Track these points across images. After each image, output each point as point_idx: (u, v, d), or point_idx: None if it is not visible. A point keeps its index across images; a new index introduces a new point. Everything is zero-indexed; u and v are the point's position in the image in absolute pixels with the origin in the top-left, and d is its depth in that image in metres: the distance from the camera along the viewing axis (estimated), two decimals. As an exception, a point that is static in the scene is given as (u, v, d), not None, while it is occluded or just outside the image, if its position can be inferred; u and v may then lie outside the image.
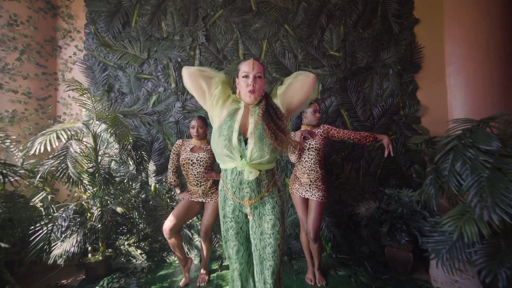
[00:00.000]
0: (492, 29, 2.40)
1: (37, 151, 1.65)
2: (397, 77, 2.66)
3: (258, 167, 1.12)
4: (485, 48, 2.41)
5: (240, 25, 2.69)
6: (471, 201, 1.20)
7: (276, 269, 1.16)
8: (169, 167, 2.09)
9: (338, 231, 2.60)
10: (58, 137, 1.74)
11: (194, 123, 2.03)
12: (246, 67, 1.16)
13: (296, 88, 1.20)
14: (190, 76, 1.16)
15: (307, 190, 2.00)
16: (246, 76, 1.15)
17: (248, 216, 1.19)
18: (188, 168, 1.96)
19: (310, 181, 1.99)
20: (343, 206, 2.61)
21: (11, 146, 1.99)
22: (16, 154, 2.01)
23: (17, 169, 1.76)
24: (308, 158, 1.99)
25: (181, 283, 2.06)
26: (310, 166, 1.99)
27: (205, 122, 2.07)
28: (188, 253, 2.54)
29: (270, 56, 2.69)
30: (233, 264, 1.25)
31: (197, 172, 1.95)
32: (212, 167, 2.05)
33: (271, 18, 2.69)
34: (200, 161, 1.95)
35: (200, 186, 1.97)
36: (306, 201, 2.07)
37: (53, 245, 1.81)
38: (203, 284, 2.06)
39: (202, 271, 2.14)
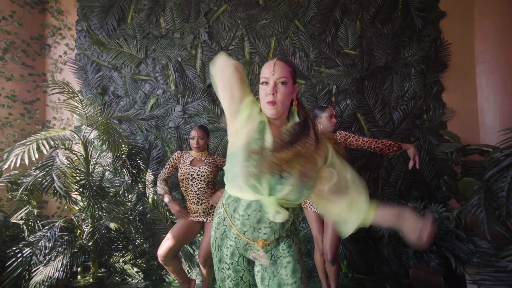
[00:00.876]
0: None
1: (13, 164, 1.42)
2: (420, 77, 2.40)
3: (288, 205, 0.85)
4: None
5: (246, 21, 2.46)
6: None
7: None
8: (159, 176, 1.87)
9: (354, 248, 2.34)
10: (38, 148, 1.52)
11: (194, 133, 1.79)
12: (265, 71, 0.89)
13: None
14: (228, 72, 0.85)
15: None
16: (266, 83, 0.88)
17: (261, 261, 0.89)
18: (188, 184, 1.73)
19: None
20: (360, 220, 2.36)
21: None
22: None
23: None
24: None
25: None
26: None
27: (206, 133, 1.83)
28: (190, 273, 2.31)
29: (279, 54, 2.45)
30: None
31: (198, 188, 1.72)
32: (214, 182, 1.81)
33: (280, 13, 2.45)
34: (201, 176, 1.72)
35: (200, 204, 1.74)
36: (321, 218, 1.83)
37: (34, 270, 1.58)
38: None
39: None
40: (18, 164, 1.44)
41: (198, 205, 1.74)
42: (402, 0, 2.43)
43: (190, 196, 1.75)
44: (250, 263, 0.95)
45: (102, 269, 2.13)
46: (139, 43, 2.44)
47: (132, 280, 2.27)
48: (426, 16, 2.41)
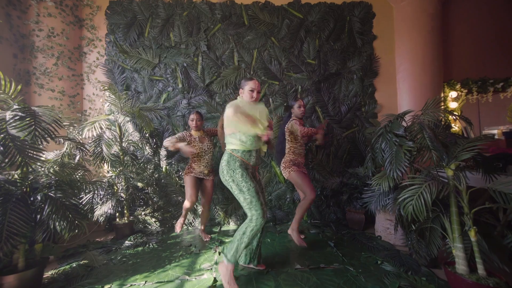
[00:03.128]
0: (429, 45, 3.14)
1: (86, 135, 2.23)
2: (360, 81, 3.37)
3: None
4: (424, 59, 3.15)
5: (235, 37, 3.29)
6: (387, 167, 1.90)
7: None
8: (172, 137, 2.44)
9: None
10: (100, 127, 2.32)
11: (193, 116, 2.54)
12: (254, 85, 1.82)
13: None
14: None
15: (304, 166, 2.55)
16: (252, 90, 1.81)
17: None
18: (202, 154, 2.56)
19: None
20: (316, 183, 3.31)
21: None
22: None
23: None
24: (303, 143, 2.58)
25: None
26: (305, 149, 2.57)
27: (201, 116, 2.62)
28: (194, 221, 3.17)
29: (259, 62, 3.31)
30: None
31: (208, 157, 2.58)
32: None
33: (261, 31, 3.31)
34: (209, 150, 2.58)
35: (207, 167, 2.60)
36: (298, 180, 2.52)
37: (96, 207, 2.40)
38: (208, 239, 2.69)
39: (203, 231, 2.78)
40: (89, 135, 2.23)
41: (206, 168, 2.58)
42: (348, 26, 3.37)
43: (202, 163, 2.58)
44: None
45: (132, 217, 2.95)
46: (154, 52, 3.21)
47: (151, 227, 3.10)
48: (364, 38, 3.37)
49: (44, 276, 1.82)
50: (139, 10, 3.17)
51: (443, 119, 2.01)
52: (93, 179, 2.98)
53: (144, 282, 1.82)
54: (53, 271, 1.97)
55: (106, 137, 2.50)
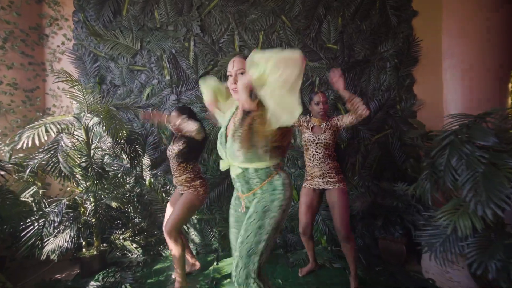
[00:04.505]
0: (489, 23, 2.38)
1: (25, 145, 1.59)
2: (394, 70, 2.65)
3: (241, 165, 1.13)
4: (482, 43, 2.40)
5: (236, 16, 2.61)
6: (466, 196, 1.21)
7: (241, 263, 1.05)
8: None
9: (333, 224, 2.62)
10: (47, 131, 1.68)
11: (175, 113, 1.90)
12: (228, 67, 1.13)
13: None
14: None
15: (321, 182, 1.85)
16: (230, 75, 1.13)
17: (240, 209, 1.21)
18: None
19: (323, 172, 1.84)
20: (338, 199, 2.63)
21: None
22: (3, 148, 1.94)
23: (4, 163, 1.70)
24: (317, 152, 1.86)
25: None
26: (320, 159, 1.85)
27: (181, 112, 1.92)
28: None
29: (267, 48, 2.63)
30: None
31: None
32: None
33: (268, 8, 2.62)
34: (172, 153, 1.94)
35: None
36: (314, 194, 1.92)
37: (46, 241, 1.78)
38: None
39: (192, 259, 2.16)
40: (29, 145, 1.60)
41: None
42: (379, 0, 2.64)
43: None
44: None
45: (104, 244, 2.33)
46: (135, 35, 2.56)
47: (132, 255, 2.48)
48: (400, 14, 2.63)
49: None
50: (116, -17, 2.52)
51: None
52: (57, 194, 2.38)
53: None
54: None
55: (63, 144, 1.87)
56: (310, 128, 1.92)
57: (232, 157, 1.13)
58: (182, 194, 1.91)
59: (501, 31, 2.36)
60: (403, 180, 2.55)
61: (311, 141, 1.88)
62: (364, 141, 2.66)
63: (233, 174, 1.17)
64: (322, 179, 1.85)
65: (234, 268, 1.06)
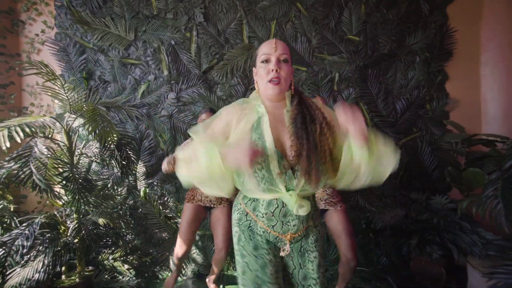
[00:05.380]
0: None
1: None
2: (424, 65, 2.33)
3: (308, 195, 0.86)
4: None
5: (245, 2, 2.29)
6: None
7: None
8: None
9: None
10: (10, 135, 1.34)
11: (204, 116, 1.73)
12: (266, 48, 0.85)
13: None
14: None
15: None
16: (267, 61, 0.83)
17: (282, 252, 0.85)
18: None
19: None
20: (360, 212, 2.31)
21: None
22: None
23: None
24: None
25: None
26: None
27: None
28: (185, 267, 2.19)
29: (279, 39, 2.30)
30: None
31: None
32: None
33: (281, -6, 2.29)
34: None
35: None
36: None
37: (9, 273, 1.42)
38: None
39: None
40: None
41: None
42: (408, -16, 2.32)
43: None
44: (278, 250, 0.89)
45: (90, 267, 1.99)
46: (128, 23, 2.23)
47: (123, 277, 2.13)
48: (433, 1, 2.32)
49: None
50: (106, -37, 2.19)
51: None
52: (35, 208, 2.03)
53: None
54: None
55: (38, 150, 1.52)
56: None
57: (307, 189, 0.81)
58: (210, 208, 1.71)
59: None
60: (434, 190, 2.24)
61: None
62: (390, 145, 2.33)
63: (300, 212, 0.79)
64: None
65: None
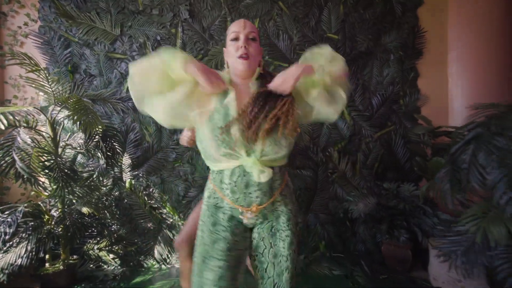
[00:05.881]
0: (496, 15, 2.26)
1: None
2: (398, 63, 2.48)
3: (271, 164, 0.85)
4: (490, 33, 2.27)
5: (229, 0, 2.37)
6: (500, 198, 1.03)
7: None
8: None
9: (332, 229, 2.42)
10: (-4, 123, 1.38)
11: None
12: (235, 27, 0.90)
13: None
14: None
15: None
16: (236, 39, 0.88)
17: (244, 220, 0.89)
18: None
19: None
20: (338, 202, 2.44)
21: None
22: None
23: None
24: None
25: None
26: None
27: None
28: (170, 258, 2.26)
29: (262, 37, 2.40)
30: None
31: None
32: None
33: (264, -7, 2.39)
34: None
35: None
36: None
37: (-4, 257, 1.47)
38: None
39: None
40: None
41: None
42: (383, -14, 2.47)
43: None
44: (247, 230, 0.93)
45: (74, 256, 2.03)
46: (114, 18, 2.27)
47: (108, 267, 2.18)
48: (405, 3, 2.47)
49: None
50: (91, -42, 2.22)
51: None
52: (18, 200, 2.05)
53: None
54: None
55: (20, 140, 1.56)
56: None
57: (273, 152, 0.83)
58: None
59: (509, 22, 2.24)
60: (407, 180, 2.39)
61: None
62: (366, 138, 2.48)
63: (262, 178, 0.81)
64: None
65: None
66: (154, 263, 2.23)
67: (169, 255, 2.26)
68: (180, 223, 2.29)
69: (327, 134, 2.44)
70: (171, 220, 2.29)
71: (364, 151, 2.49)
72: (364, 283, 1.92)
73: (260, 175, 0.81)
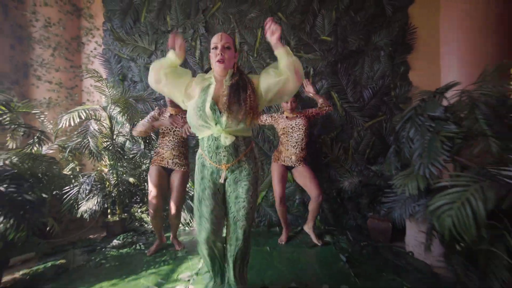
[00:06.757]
0: (485, 11, 2.37)
1: (64, 125, 2.07)
2: (389, 59, 2.73)
3: (234, 133, 1.21)
4: (479, 28, 2.39)
5: (236, 16, 2.91)
6: (415, 161, 1.35)
7: (248, 229, 1.29)
8: (142, 122, 2.07)
9: (326, 205, 2.78)
10: (79, 116, 2.15)
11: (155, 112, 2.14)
12: (215, 39, 1.23)
13: (276, 83, 1.20)
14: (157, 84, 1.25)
15: (292, 160, 2.28)
16: (215, 48, 1.21)
17: (220, 180, 1.26)
18: (169, 135, 2.11)
19: (296, 153, 2.27)
20: (331, 183, 2.78)
21: (49, 126, 2.47)
22: (51, 131, 2.48)
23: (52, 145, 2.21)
24: (298, 137, 2.26)
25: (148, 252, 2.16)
26: (297, 141, 2.27)
27: None
28: (191, 220, 2.89)
29: (264, 43, 2.88)
30: (204, 224, 1.27)
31: (174, 139, 2.11)
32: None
33: (266, 7, 2.87)
34: (176, 130, 2.10)
35: (172, 152, 2.11)
36: (283, 172, 2.32)
37: (80, 203, 2.25)
38: (180, 249, 2.24)
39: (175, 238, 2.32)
40: (67, 125, 2.07)
41: (171, 153, 2.11)
42: (374, -10, 2.74)
43: (167, 145, 2.11)
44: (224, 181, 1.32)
45: (125, 214, 2.79)
46: (150, 38, 3.00)
47: (147, 225, 2.91)
48: (395, 3, 2.70)
49: (6, 279, 1.69)
50: (135, -6, 2.98)
51: None
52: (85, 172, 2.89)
53: (106, 292, 1.57)
54: (26, 271, 1.85)
55: (92, 128, 2.34)
56: (284, 118, 2.31)
57: (234, 125, 1.17)
58: (175, 170, 2.14)
59: (498, 17, 2.33)
60: (397, 164, 2.63)
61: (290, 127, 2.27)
62: (357, 127, 2.78)
63: (226, 142, 1.18)
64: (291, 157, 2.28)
65: (241, 234, 1.29)
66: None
67: (191, 219, 2.89)
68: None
69: (321, 123, 2.81)
70: (192, 193, 2.91)
71: (356, 139, 2.79)
72: (346, 247, 2.26)
73: (225, 140, 1.19)
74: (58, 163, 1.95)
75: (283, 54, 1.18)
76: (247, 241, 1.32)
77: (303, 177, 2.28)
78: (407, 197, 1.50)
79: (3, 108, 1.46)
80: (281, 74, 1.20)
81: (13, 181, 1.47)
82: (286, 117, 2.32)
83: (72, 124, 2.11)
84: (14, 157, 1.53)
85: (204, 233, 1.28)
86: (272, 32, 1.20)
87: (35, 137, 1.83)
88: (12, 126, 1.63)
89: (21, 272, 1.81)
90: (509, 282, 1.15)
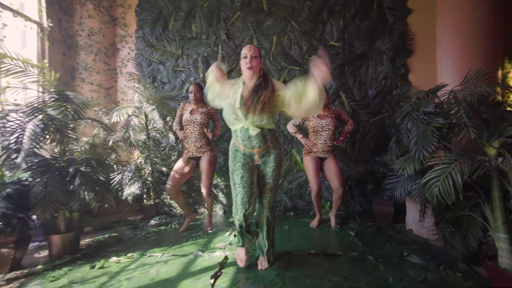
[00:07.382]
0: (478, 18, 2.69)
1: (115, 120, 2.46)
2: (390, 62, 3.07)
3: (259, 126, 1.54)
4: (471, 33, 2.72)
5: (254, 24, 3.26)
6: (412, 148, 1.69)
7: (272, 200, 1.66)
8: (174, 125, 2.47)
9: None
10: (127, 113, 2.53)
11: (191, 88, 2.35)
12: (244, 50, 1.55)
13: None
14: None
15: (323, 152, 2.45)
16: (245, 57, 1.53)
17: (256, 162, 1.60)
18: (189, 127, 2.33)
19: (327, 147, 2.44)
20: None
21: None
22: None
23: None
24: (326, 135, 2.43)
25: (181, 228, 2.50)
26: (326, 140, 2.43)
27: (200, 87, 2.41)
28: (214, 207, 3.26)
29: (279, 48, 3.24)
30: (237, 188, 1.57)
31: (195, 130, 2.32)
32: (206, 126, 2.35)
33: (280, 16, 3.22)
34: (198, 123, 2.31)
35: (196, 143, 2.34)
36: (317, 166, 2.46)
37: (124, 188, 2.63)
38: (209, 229, 2.53)
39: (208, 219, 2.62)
40: (117, 121, 2.45)
41: (195, 144, 2.33)
42: (377, 1, 3.08)
43: (191, 138, 2.33)
44: (252, 160, 1.63)
45: (157, 200, 3.16)
46: (177, 43, 3.36)
47: (176, 210, 3.28)
48: (396, 13, 3.04)
49: (81, 243, 2.07)
50: (164, 5, 3.34)
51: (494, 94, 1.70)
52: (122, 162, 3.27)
53: (161, 254, 1.94)
54: (89, 239, 2.23)
55: (133, 123, 2.71)
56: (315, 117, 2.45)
57: (256, 120, 1.50)
58: (202, 157, 2.39)
59: (487, 23, 2.66)
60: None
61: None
62: (363, 123, 3.12)
63: (253, 133, 1.51)
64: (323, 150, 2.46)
65: (266, 203, 1.65)
66: (204, 210, 3.24)
67: (214, 205, 3.25)
68: (222, 184, 3.26)
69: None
70: (216, 181, 3.28)
71: (362, 133, 3.14)
72: (353, 227, 2.60)
73: (252, 131, 1.54)
74: (114, 151, 2.33)
75: (316, 85, 1.37)
76: (271, 209, 1.69)
77: (329, 169, 2.44)
78: (406, 178, 1.85)
79: (86, 106, 1.83)
80: (305, 89, 1.42)
81: (88, 164, 1.84)
82: (318, 115, 2.43)
83: (122, 119, 2.48)
84: (87, 145, 1.91)
85: (239, 196, 1.58)
86: (319, 70, 1.32)
87: (96, 129, 2.21)
88: (89, 121, 2.02)
89: (87, 239, 2.20)
90: (484, 239, 1.50)
